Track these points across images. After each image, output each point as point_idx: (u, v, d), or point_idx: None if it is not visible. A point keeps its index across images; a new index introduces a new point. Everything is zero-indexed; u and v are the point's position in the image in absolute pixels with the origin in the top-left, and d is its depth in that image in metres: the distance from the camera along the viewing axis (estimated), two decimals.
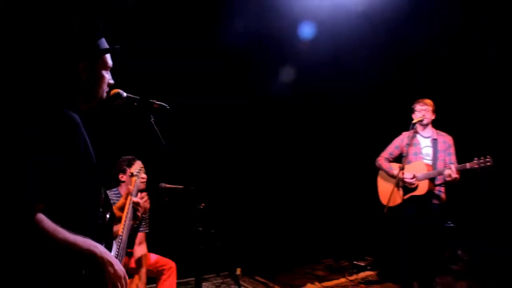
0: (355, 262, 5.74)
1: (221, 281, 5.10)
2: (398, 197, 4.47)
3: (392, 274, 5.26)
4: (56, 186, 1.55)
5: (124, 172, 3.69)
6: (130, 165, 3.62)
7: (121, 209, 2.53)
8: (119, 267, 1.64)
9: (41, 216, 1.48)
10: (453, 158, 4.44)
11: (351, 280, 5.26)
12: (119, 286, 1.64)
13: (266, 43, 5.37)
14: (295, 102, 6.00)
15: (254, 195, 5.70)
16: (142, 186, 3.47)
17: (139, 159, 3.62)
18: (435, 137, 4.54)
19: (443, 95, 5.10)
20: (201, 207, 2.74)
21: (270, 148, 5.85)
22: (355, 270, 5.57)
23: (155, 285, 3.89)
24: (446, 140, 4.52)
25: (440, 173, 4.28)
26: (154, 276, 3.81)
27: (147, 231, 3.75)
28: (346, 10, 5.37)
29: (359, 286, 5.10)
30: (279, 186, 5.91)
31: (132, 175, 3.01)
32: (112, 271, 1.61)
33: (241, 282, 5.08)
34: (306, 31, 5.49)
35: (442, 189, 4.52)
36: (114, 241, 1.98)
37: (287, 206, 5.93)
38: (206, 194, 3.04)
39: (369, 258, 5.78)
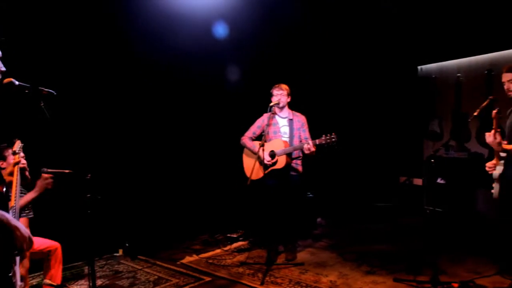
0: (228, 235, 6.29)
1: (104, 263, 5.36)
2: (260, 171, 5.13)
3: (261, 241, 5.92)
4: None
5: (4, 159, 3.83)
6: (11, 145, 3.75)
7: (11, 174, 2.80)
8: (24, 230, 1.93)
9: None
10: (307, 134, 5.22)
11: (225, 250, 5.80)
12: (26, 246, 1.94)
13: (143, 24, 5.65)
14: (168, 83, 6.30)
15: (129, 177, 5.89)
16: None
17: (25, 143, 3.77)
18: (291, 117, 5.28)
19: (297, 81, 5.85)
20: (88, 177, 3.09)
21: (146, 128, 6.09)
22: (229, 242, 6.12)
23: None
24: (300, 120, 5.29)
25: (296, 149, 5.02)
26: (41, 258, 3.90)
27: (31, 216, 3.80)
28: None
29: (232, 254, 5.64)
30: (153, 166, 6.17)
31: (14, 152, 3.23)
32: (19, 234, 1.91)
33: (123, 262, 5.37)
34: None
35: (299, 162, 5.28)
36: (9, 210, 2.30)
37: (162, 185, 6.21)
38: (88, 178, 3.38)
39: (241, 231, 6.38)
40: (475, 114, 3.90)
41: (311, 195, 6.63)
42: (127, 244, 5.62)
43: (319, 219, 7.12)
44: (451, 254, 5.28)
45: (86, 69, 5.36)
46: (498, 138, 3.56)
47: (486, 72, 6.86)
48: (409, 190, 7.58)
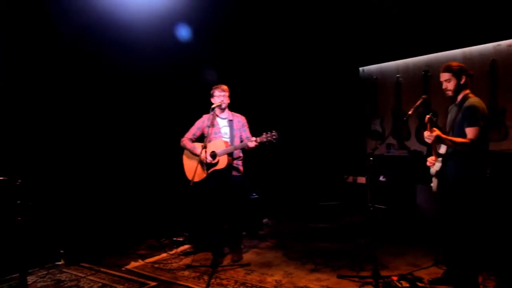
0: (174, 239, 6.20)
1: (45, 272, 5.15)
2: (202, 173, 5.09)
3: (206, 243, 5.86)
4: None
5: None
6: None
7: None
8: None
9: None
10: (248, 133, 5.25)
11: (171, 254, 5.71)
12: None
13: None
14: (106, 80, 6.12)
15: (69, 181, 5.73)
16: None
17: None
18: (231, 118, 5.28)
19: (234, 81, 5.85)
20: (18, 183, 2.96)
21: (84, 129, 5.91)
22: (175, 246, 6.03)
23: None
24: (240, 120, 5.31)
25: (237, 148, 5.02)
26: None
27: None
28: None
29: (179, 257, 5.56)
30: (93, 169, 6.02)
31: None
32: None
33: (66, 271, 5.19)
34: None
35: (240, 162, 5.28)
36: None
37: (104, 189, 6.07)
38: (19, 183, 3.24)
39: (186, 234, 6.31)
40: (410, 112, 4.04)
41: (256, 196, 6.65)
42: (61, 251, 5.42)
43: (265, 220, 7.15)
44: (392, 249, 5.44)
45: (12, 64, 5.14)
46: (435, 131, 3.66)
47: (423, 72, 7.10)
48: (353, 189, 7.73)
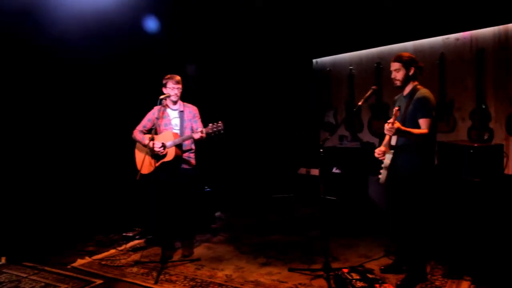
0: (124, 234, 5.99)
1: None
2: (151, 165, 4.94)
3: (157, 238, 5.70)
4: None
5: None
6: None
7: None
8: None
9: None
10: (199, 124, 5.12)
11: (120, 250, 5.52)
12: None
13: None
14: (48, 68, 5.81)
15: (11, 175, 5.45)
16: None
17: None
18: (182, 109, 5.13)
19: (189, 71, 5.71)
20: None
21: (24, 119, 5.61)
22: (124, 241, 5.83)
23: None
24: (191, 111, 5.17)
25: (185, 139, 4.88)
26: None
27: None
28: None
29: (128, 253, 5.38)
30: (37, 162, 5.74)
31: None
32: None
33: (6, 271, 4.93)
34: None
35: (191, 155, 5.15)
36: None
37: (50, 184, 5.80)
38: None
39: (137, 229, 6.12)
40: (360, 103, 4.04)
41: (208, 189, 6.53)
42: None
43: (218, 213, 7.04)
44: (344, 241, 5.45)
45: None
46: (397, 124, 3.65)
47: (375, 64, 7.14)
48: (307, 181, 7.71)
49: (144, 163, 4.88)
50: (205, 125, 4.82)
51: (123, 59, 6.24)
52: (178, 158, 4.96)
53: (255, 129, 7.87)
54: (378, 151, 4.06)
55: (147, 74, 6.12)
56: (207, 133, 4.67)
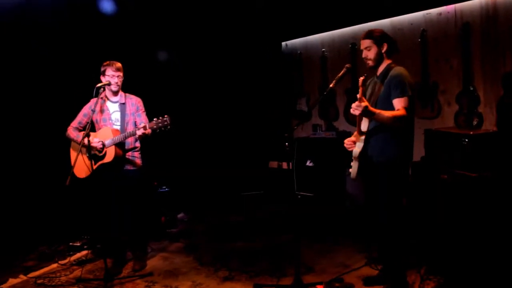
0: (71, 244, 5.27)
1: None
2: (88, 167, 4.21)
3: (107, 248, 4.98)
4: None
5: None
6: None
7: None
8: None
9: None
10: (143, 118, 4.40)
11: (62, 264, 4.81)
12: None
13: None
14: None
15: None
16: None
17: None
18: (123, 102, 4.41)
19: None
20: None
21: None
22: (71, 252, 5.13)
23: None
24: (134, 103, 4.45)
25: (127, 136, 4.16)
26: None
27: None
28: None
29: (70, 268, 4.68)
30: None
31: None
32: None
33: None
34: None
35: (136, 154, 4.44)
36: None
37: None
38: None
39: (86, 237, 5.38)
40: (331, 85, 3.44)
41: (166, 189, 5.83)
42: None
43: (180, 215, 6.35)
44: (319, 246, 4.83)
45: None
46: (365, 101, 3.11)
47: (349, 45, 6.47)
48: (278, 176, 7.04)
49: (81, 166, 4.18)
50: (151, 119, 4.09)
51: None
52: (119, 159, 4.23)
53: (221, 120, 7.15)
54: (347, 142, 3.51)
55: (85, 60, 5.35)
56: (151, 129, 3.96)
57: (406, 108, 3.24)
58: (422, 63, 5.56)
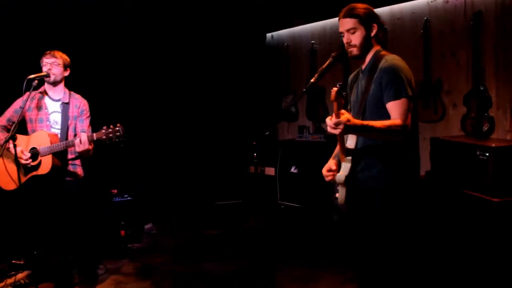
0: (14, 261, 4.50)
1: None
2: (15, 179, 3.47)
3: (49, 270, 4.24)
4: None
5: None
6: None
7: None
8: None
9: None
10: (85, 125, 3.64)
11: None
12: None
13: None
14: None
15: None
16: None
17: None
18: (66, 101, 3.63)
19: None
20: None
21: None
22: (12, 272, 4.36)
23: None
24: (78, 104, 3.68)
25: (68, 146, 3.38)
26: None
27: None
28: None
29: None
30: None
31: None
32: None
33: None
34: None
35: (78, 162, 3.65)
36: None
37: None
38: None
39: (32, 253, 4.61)
40: (312, 80, 2.55)
41: (128, 198, 5.08)
42: None
43: (148, 225, 5.59)
44: (300, 271, 4.07)
45: None
46: (344, 114, 2.18)
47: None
48: (260, 182, 6.32)
49: (6, 175, 3.45)
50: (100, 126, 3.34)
51: None
52: (57, 170, 3.44)
53: (196, 119, 6.40)
54: (325, 171, 2.61)
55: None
56: (99, 140, 3.19)
57: (405, 115, 2.34)
58: (424, 58, 4.85)
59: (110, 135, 3.17)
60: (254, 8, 6.18)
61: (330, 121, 2.19)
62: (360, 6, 2.54)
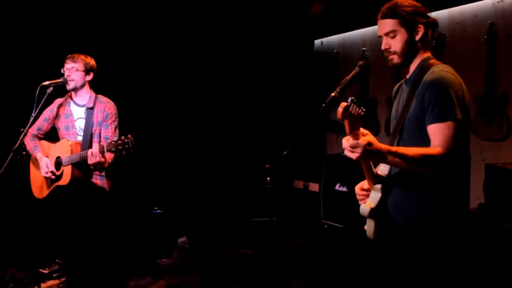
0: (41, 270, 4.39)
1: None
2: (42, 189, 3.39)
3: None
4: None
5: None
6: None
7: None
8: None
9: None
10: (109, 132, 3.39)
11: None
12: None
13: None
14: None
15: None
16: None
17: None
18: (91, 106, 3.41)
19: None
20: None
21: None
22: (39, 282, 4.23)
23: None
24: (103, 109, 3.44)
25: (82, 157, 3.15)
26: None
27: None
28: None
29: None
30: None
31: None
32: None
33: None
34: None
35: (104, 173, 3.42)
36: None
37: None
38: None
39: (60, 261, 4.50)
40: (333, 94, 2.11)
41: (158, 211, 4.89)
42: None
43: (182, 239, 5.38)
44: None
45: None
46: (361, 135, 1.87)
47: None
48: (304, 199, 5.94)
49: (37, 183, 3.44)
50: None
51: None
52: (77, 181, 3.23)
53: (239, 131, 6.15)
54: (359, 190, 2.25)
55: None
56: (110, 150, 2.93)
57: (449, 143, 1.91)
58: (487, 67, 4.31)
59: (120, 147, 2.89)
60: (302, 12, 5.87)
61: (346, 142, 1.81)
62: (404, 3, 2.11)
